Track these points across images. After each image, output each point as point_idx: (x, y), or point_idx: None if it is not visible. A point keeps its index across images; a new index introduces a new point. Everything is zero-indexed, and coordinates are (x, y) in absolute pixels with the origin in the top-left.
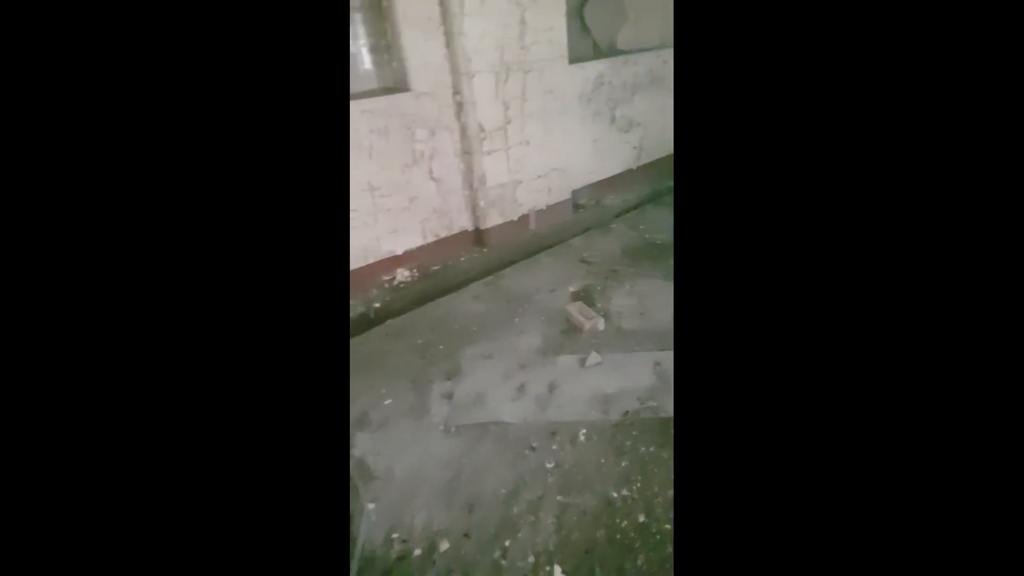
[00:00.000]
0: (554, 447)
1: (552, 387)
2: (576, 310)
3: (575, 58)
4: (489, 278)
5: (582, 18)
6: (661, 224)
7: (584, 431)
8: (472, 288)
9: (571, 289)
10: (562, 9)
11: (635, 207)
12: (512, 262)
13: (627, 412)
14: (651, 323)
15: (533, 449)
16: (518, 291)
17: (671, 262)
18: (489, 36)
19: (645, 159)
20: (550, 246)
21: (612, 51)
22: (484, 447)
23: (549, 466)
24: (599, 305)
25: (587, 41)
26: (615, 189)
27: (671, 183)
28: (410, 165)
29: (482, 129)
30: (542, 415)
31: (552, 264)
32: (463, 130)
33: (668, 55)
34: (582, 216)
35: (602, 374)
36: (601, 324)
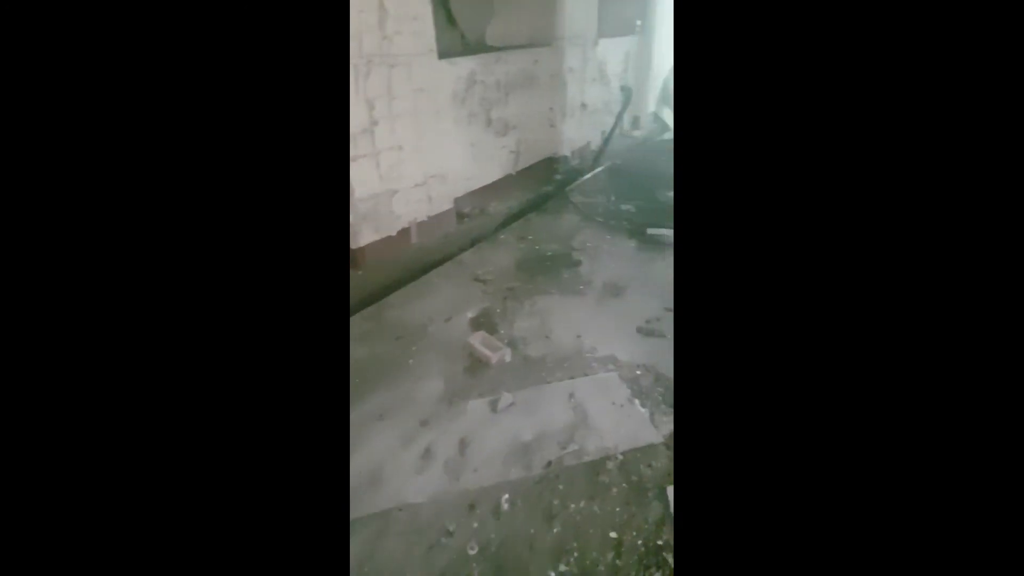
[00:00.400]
0: (475, 525)
1: (464, 445)
2: (479, 342)
3: (443, 53)
4: (370, 309)
5: (448, 9)
6: (548, 233)
7: (507, 496)
8: (349, 324)
9: (469, 315)
10: None
11: (520, 214)
12: (396, 286)
13: (550, 463)
14: (557, 346)
15: (450, 534)
16: (408, 323)
17: (565, 275)
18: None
19: (523, 163)
20: (438, 263)
21: (482, 47)
22: (388, 543)
23: (472, 552)
24: (502, 331)
25: (454, 35)
26: (497, 196)
27: (550, 188)
28: None
29: None
30: (456, 485)
31: (444, 286)
32: None
33: (540, 54)
34: (468, 226)
35: (517, 417)
36: (508, 355)
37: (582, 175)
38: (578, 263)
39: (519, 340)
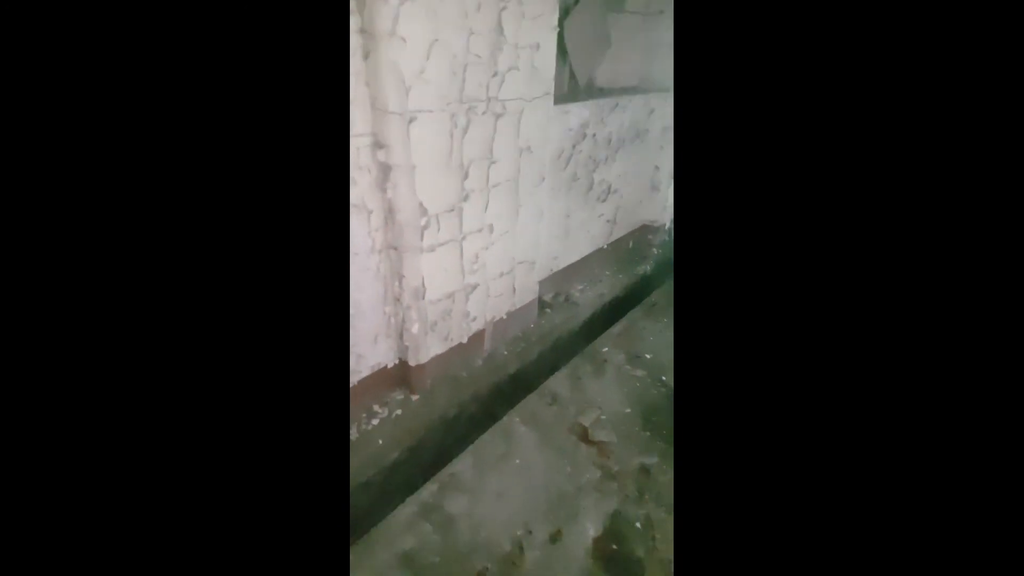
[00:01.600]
0: None
1: None
2: None
3: (558, 97)
4: (430, 490)
5: (561, 37)
6: (668, 352)
7: None
8: (387, 528)
9: (591, 532)
10: (554, 16)
11: (615, 307)
12: (458, 434)
13: None
14: None
15: None
16: (489, 535)
17: None
18: (443, 47)
19: (617, 234)
20: (517, 392)
21: (591, 89)
22: None
23: None
24: None
25: (563, 72)
26: (582, 275)
27: (648, 268)
28: None
29: (424, 211)
30: None
31: (532, 444)
32: (389, 211)
33: (657, 101)
34: (548, 321)
35: None
36: None
37: None
38: None
39: None
